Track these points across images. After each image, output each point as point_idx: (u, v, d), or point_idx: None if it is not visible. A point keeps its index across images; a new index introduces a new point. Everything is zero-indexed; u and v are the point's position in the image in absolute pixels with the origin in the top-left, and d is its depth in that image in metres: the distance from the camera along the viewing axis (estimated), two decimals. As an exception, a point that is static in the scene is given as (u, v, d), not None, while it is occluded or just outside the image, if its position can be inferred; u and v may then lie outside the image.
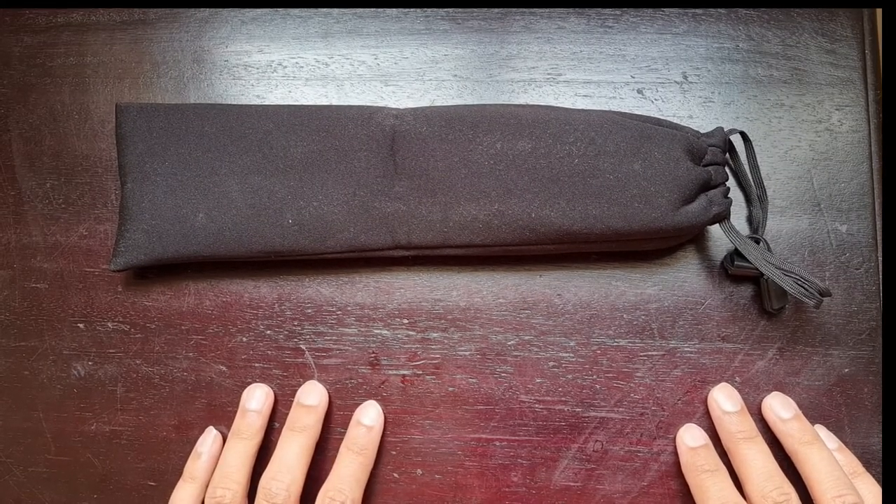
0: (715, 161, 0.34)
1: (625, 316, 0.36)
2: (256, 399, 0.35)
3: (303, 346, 0.36)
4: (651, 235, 0.33)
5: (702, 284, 0.36)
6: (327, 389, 0.35)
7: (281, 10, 0.39)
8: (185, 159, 0.35)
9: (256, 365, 0.36)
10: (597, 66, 0.38)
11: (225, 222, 0.34)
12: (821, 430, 0.34)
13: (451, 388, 0.35)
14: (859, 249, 0.36)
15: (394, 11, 0.38)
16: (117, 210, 0.37)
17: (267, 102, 0.38)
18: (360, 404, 0.35)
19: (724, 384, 0.35)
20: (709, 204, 0.33)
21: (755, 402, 0.35)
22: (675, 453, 0.34)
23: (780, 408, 0.34)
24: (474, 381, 0.35)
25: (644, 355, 0.35)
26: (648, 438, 0.35)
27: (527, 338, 0.36)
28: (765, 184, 0.35)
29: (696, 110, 0.37)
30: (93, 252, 0.37)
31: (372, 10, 0.38)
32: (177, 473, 0.34)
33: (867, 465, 0.33)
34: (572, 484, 0.35)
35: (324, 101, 0.38)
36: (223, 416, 0.36)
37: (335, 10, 0.39)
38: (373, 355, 0.36)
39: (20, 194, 0.38)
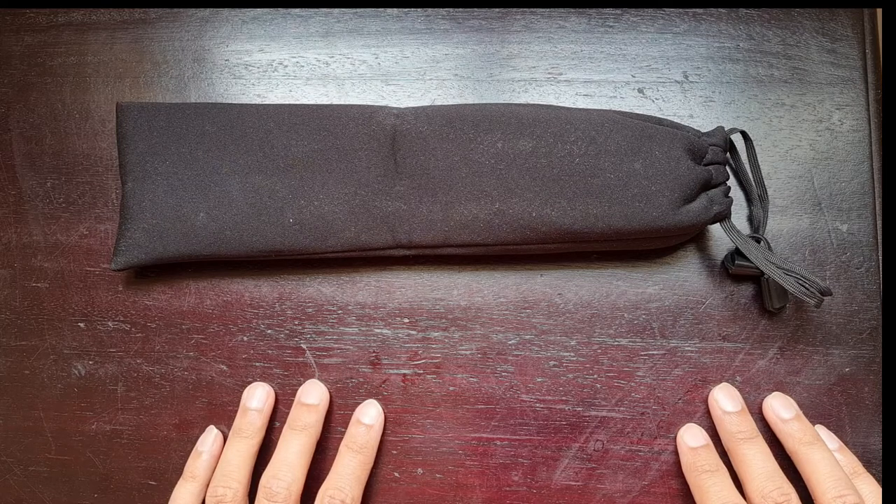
0: (716, 160, 0.34)
1: (626, 315, 0.36)
2: (257, 398, 0.35)
3: (303, 346, 0.36)
4: (652, 234, 0.33)
5: (702, 284, 0.36)
6: (328, 388, 0.35)
7: (282, 10, 0.39)
8: (185, 158, 0.35)
9: (257, 364, 0.36)
10: (597, 65, 0.38)
11: (226, 221, 0.34)
12: (821, 430, 0.34)
13: (451, 388, 0.35)
14: (860, 249, 0.36)
15: (394, 11, 0.38)
16: (118, 209, 0.37)
17: (268, 102, 0.38)
18: (360, 403, 0.35)
19: (724, 384, 0.35)
20: (709, 203, 0.33)
21: (756, 402, 0.35)
22: (676, 453, 0.34)
23: (780, 408, 0.34)
24: (475, 380, 0.35)
25: (645, 354, 0.35)
26: (649, 438, 0.35)
27: (528, 337, 0.36)
28: (765, 183, 0.35)
29: (696, 109, 0.37)
30: (93, 251, 0.37)
31: (373, 9, 0.38)
32: (177, 472, 0.34)
33: (867, 465, 0.33)
34: (573, 483, 0.35)
35: (324, 101, 0.38)
36: (224, 416, 0.36)
37: (336, 10, 0.39)
38: (373, 354, 0.36)
39: (21, 193, 0.38)
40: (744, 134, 0.35)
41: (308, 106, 0.35)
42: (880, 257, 0.35)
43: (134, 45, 0.39)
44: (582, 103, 0.37)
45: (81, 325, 0.37)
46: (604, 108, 0.37)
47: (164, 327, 0.36)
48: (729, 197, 0.34)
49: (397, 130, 0.34)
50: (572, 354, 0.35)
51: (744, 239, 0.33)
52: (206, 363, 0.36)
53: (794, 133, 0.37)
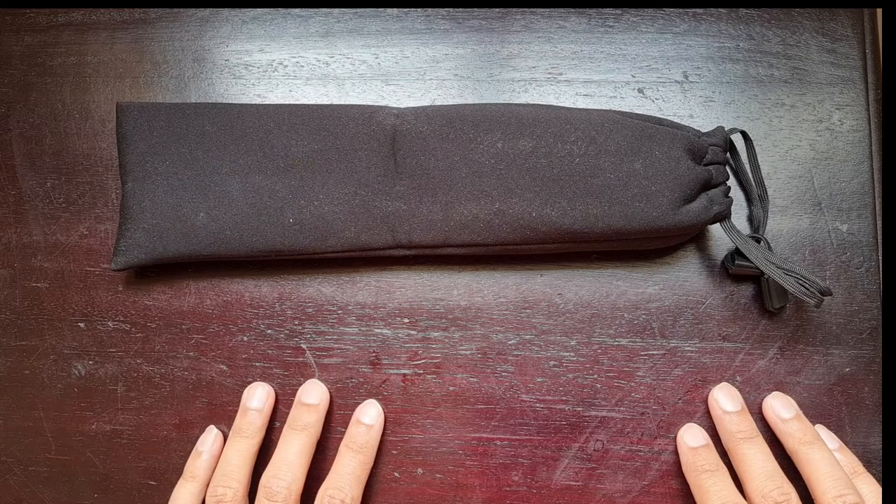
0: (716, 160, 0.34)
1: (626, 315, 0.36)
2: (257, 398, 0.35)
3: (304, 346, 0.36)
4: (652, 234, 0.33)
5: (702, 283, 0.36)
6: (328, 388, 0.35)
7: (282, 10, 0.39)
8: (185, 158, 0.35)
9: (257, 364, 0.36)
10: (597, 65, 0.38)
11: (226, 221, 0.34)
12: (821, 430, 0.34)
13: (451, 388, 0.35)
14: (860, 249, 0.36)
15: (394, 11, 0.38)
16: (118, 209, 0.37)
17: (268, 102, 0.38)
18: (360, 403, 0.35)
19: (724, 384, 0.35)
20: (709, 203, 0.33)
21: (756, 402, 0.35)
22: (676, 453, 0.34)
23: (780, 408, 0.34)
24: (475, 380, 0.35)
25: (645, 354, 0.35)
26: (649, 438, 0.35)
27: (528, 337, 0.36)
28: (765, 183, 0.35)
29: (696, 109, 0.37)
30: (93, 251, 0.37)
31: (373, 9, 0.38)
32: (177, 472, 0.34)
33: (867, 465, 0.33)
34: (573, 483, 0.35)
35: (324, 101, 0.38)
36: (224, 415, 0.36)
37: (336, 10, 0.39)
38: (373, 354, 0.36)
39: (21, 193, 0.38)
40: (744, 134, 0.35)
41: (308, 106, 0.35)
42: (880, 257, 0.35)
43: (134, 45, 0.39)
44: (582, 103, 0.37)
45: (81, 325, 0.37)
46: (604, 108, 0.37)
47: (164, 327, 0.36)
48: (729, 197, 0.34)
49: (397, 130, 0.34)
50: (572, 354, 0.35)
51: (744, 239, 0.33)
52: (206, 363, 0.36)
53: (794, 133, 0.37)
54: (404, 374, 0.36)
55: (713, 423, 0.34)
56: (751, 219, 0.36)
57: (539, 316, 0.36)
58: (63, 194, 0.38)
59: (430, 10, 0.38)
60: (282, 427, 0.35)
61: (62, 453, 0.36)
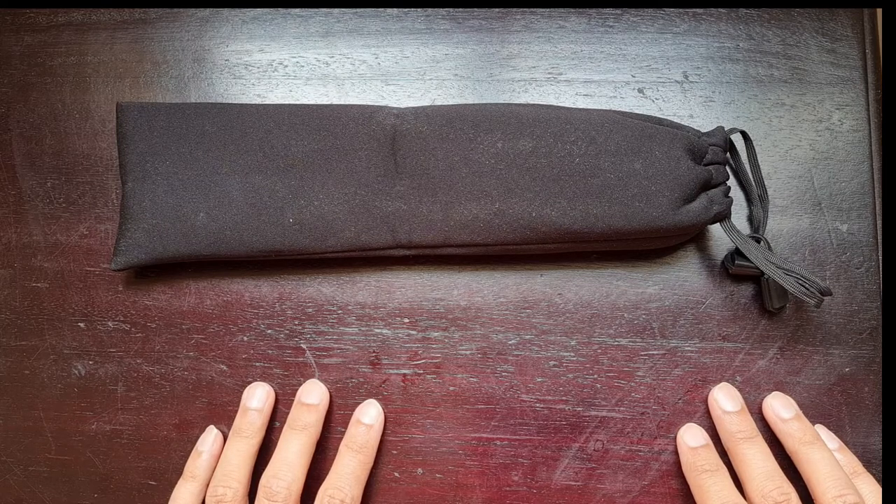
0: (716, 160, 0.34)
1: (626, 315, 0.36)
2: (257, 398, 0.35)
3: (303, 346, 0.36)
4: (652, 234, 0.33)
5: (703, 283, 0.36)
6: (328, 388, 0.35)
7: (282, 10, 0.39)
8: (185, 158, 0.35)
9: (257, 364, 0.36)
10: (597, 65, 0.38)
11: (226, 221, 0.34)
12: (821, 430, 0.34)
13: (451, 388, 0.35)
14: (860, 249, 0.36)
15: (394, 11, 0.38)
16: (118, 209, 0.37)
17: (268, 102, 0.38)
18: (360, 403, 0.35)
19: (724, 384, 0.35)
20: (709, 203, 0.33)
21: (756, 402, 0.35)
22: (676, 453, 0.34)
23: (780, 407, 0.34)
24: (475, 380, 0.35)
25: (645, 354, 0.35)
26: (649, 438, 0.35)
27: (528, 337, 0.36)
28: (765, 183, 0.35)
29: (696, 109, 0.37)
30: (93, 251, 0.37)
31: (373, 9, 0.38)
32: (177, 472, 0.34)
33: (867, 465, 0.33)
34: (573, 483, 0.35)
35: (324, 101, 0.38)
36: (224, 415, 0.36)
37: (336, 10, 0.39)
38: (373, 354, 0.36)
39: (21, 193, 0.38)
40: (744, 134, 0.35)
41: (308, 106, 0.35)
42: (880, 257, 0.35)
43: (134, 45, 0.39)
44: (582, 103, 0.37)
45: (81, 325, 0.37)
46: (604, 108, 0.37)
47: (164, 327, 0.36)
48: (729, 197, 0.34)
49: (397, 130, 0.34)
50: (572, 354, 0.35)
51: (744, 239, 0.33)
52: (206, 363, 0.36)
53: (794, 133, 0.37)
54: (404, 374, 0.36)
55: (713, 423, 0.34)
56: (751, 219, 0.36)
57: (539, 316, 0.36)
58: (63, 194, 0.38)
59: (430, 10, 0.38)
60: (282, 427, 0.35)
61: (62, 453, 0.36)
